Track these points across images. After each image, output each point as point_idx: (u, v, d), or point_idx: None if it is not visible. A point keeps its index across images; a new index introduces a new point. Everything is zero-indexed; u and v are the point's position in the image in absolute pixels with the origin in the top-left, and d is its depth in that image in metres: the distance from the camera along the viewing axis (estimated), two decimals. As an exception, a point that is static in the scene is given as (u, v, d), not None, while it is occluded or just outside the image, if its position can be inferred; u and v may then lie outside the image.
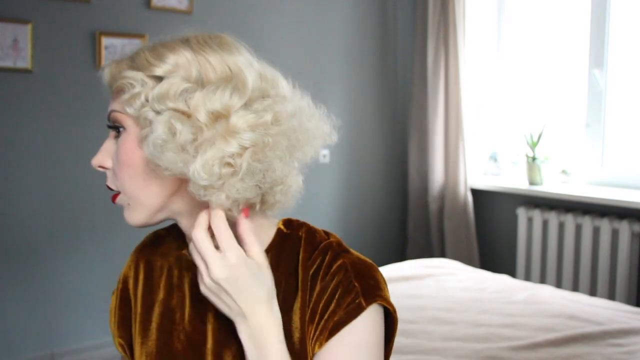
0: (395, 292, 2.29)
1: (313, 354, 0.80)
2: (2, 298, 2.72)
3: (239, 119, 0.73)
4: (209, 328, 0.85)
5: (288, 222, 0.88)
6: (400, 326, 1.99)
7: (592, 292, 2.92)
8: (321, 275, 0.81)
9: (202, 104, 0.73)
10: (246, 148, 0.73)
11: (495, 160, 3.57)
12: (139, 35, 2.93)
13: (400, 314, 2.07)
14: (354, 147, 3.70)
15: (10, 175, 2.72)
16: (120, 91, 0.77)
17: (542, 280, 3.13)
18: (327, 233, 0.88)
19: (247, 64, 0.78)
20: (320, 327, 0.79)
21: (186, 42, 0.78)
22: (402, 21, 3.86)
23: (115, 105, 0.78)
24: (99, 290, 2.94)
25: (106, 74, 0.79)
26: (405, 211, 3.92)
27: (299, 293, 0.81)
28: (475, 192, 3.57)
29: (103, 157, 0.81)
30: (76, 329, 2.89)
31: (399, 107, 3.90)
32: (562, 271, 3.05)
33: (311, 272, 0.82)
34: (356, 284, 0.80)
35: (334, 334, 0.78)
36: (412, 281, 2.46)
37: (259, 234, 0.84)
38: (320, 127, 0.83)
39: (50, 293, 2.82)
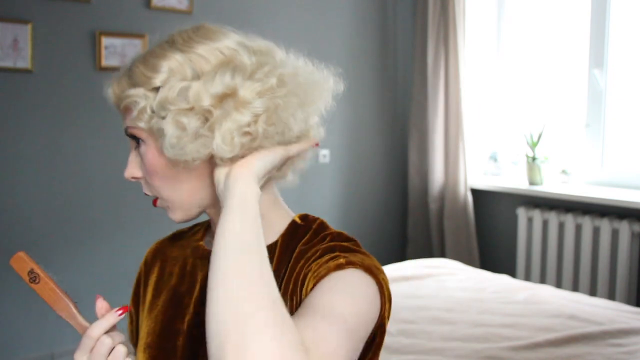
0: (395, 292, 2.29)
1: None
2: (1, 298, 2.72)
3: (246, 91, 0.77)
4: None
5: (304, 216, 0.91)
6: (400, 326, 1.99)
7: (592, 292, 2.92)
8: (311, 252, 0.83)
9: (204, 91, 0.76)
10: (259, 115, 0.77)
11: (495, 160, 3.57)
12: (139, 35, 2.93)
13: (400, 314, 2.08)
14: (354, 147, 3.70)
15: (10, 175, 2.72)
16: (128, 109, 0.82)
17: (542, 280, 3.13)
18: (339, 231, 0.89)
19: (236, 43, 0.82)
20: (305, 286, 0.79)
21: (172, 44, 0.81)
22: (402, 21, 3.86)
23: (128, 122, 0.83)
24: (98, 290, 2.93)
25: (110, 95, 0.85)
26: (405, 211, 3.92)
27: (283, 270, 0.84)
28: (475, 192, 3.57)
29: (133, 169, 0.86)
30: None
31: (399, 107, 3.90)
32: (562, 271, 3.05)
33: (303, 251, 0.84)
34: (341, 255, 0.80)
35: (314, 285, 0.77)
36: (412, 281, 2.46)
37: (275, 224, 0.88)
38: (324, 79, 0.86)
39: (50, 293, 2.82)
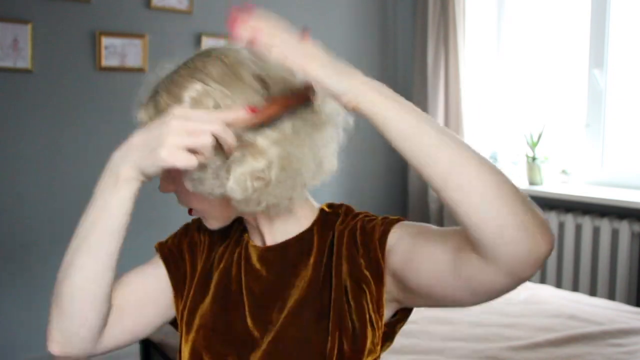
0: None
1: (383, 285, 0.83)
2: (1, 298, 2.72)
3: (263, 140, 0.78)
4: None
5: (330, 205, 0.96)
6: (400, 326, 1.99)
7: (592, 292, 2.92)
8: (346, 233, 0.87)
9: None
10: (272, 162, 0.79)
11: (495, 160, 3.57)
12: (139, 35, 2.93)
13: (400, 314, 2.08)
14: (354, 147, 3.69)
15: (10, 175, 2.72)
16: None
17: (542, 280, 3.13)
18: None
19: (255, 78, 0.81)
20: (371, 247, 0.84)
21: (194, 70, 0.82)
22: (402, 21, 3.86)
23: None
24: (99, 290, 2.94)
25: (140, 120, 0.85)
26: (405, 211, 3.92)
27: (326, 254, 0.88)
28: (475, 192, 3.56)
29: (166, 185, 0.89)
30: (76, 329, 2.89)
31: (399, 107, 3.90)
32: (562, 271, 3.05)
33: (341, 230, 0.89)
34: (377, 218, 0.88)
35: (387, 233, 0.83)
36: (412, 281, 2.46)
37: (305, 216, 0.92)
38: (335, 113, 0.86)
39: (50, 293, 2.81)
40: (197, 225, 1.00)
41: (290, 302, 0.87)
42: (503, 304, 2.19)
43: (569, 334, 1.88)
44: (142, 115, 0.85)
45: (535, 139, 3.16)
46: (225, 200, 0.83)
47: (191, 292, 0.95)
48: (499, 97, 3.59)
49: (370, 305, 0.83)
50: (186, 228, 1.01)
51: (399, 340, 1.87)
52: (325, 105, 0.85)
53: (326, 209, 0.94)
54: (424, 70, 3.63)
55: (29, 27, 2.67)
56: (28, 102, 2.73)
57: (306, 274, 0.88)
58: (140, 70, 2.93)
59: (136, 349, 2.19)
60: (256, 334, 0.88)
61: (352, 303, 0.84)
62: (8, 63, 2.65)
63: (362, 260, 0.84)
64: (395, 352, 1.80)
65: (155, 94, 0.84)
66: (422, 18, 3.62)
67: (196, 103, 0.80)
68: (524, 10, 3.46)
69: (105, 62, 2.86)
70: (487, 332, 1.93)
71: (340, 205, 0.95)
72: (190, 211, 0.91)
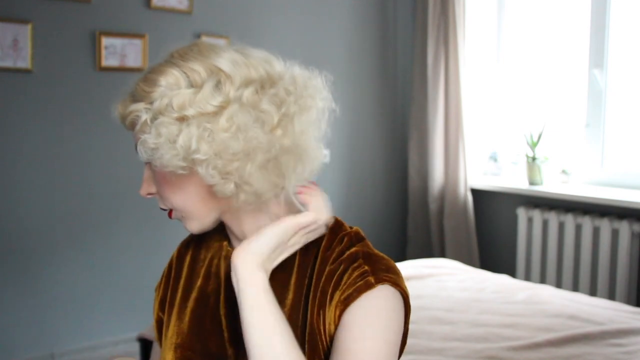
0: (395, 292, 2.29)
1: (328, 336, 0.83)
2: (1, 298, 2.72)
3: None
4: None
5: (338, 226, 0.93)
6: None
7: (592, 292, 2.92)
8: (332, 259, 0.86)
9: (190, 100, 0.80)
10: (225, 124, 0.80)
11: (495, 160, 3.57)
12: (139, 35, 2.93)
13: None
14: (354, 147, 3.70)
15: (10, 175, 2.72)
16: (133, 125, 0.86)
17: (542, 280, 3.13)
18: (351, 228, 0.93)
19: (228, 62, 0.83)
20: (332, 306, 0.83)
21: (170, 59, 0.85)
22: (402, 21, 3.86)
23: (136, 139, 0.85)
24: (98, 290, 2.94)
25: (117, 116, 0.88)
26: (405, 211, 3.92)
27: (307, 276, 0.88)
28: (475, 192, 3.57)
29: (147, 186, 0.90)
30: (76, 329, 2.89)
31: (399, 107, 3.90)
32: (562, 271, 3.05)
33: (326, 258, 0.87)
34: (366, 266, 0.84)
35: (344, 310, 0.82)
36: (412, 281, 2.46)
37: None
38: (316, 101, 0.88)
39: (50, 293, 2.82)
40: (177, 254, 1.04)
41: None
42: (503, 304, 2.19)
43: (569, 334, 1.88)
44: (119, 109, 0.87)
45: (535, 139, 3.16)
46: (206, 195, 0.85)
47: (173, 312, 0.98)
48: (499, 97, 3.59)
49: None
50: (170, 264, 1.04)
51: (399, 340, 1.87)
52: (307, 89, 0.86)
53: None
54: (424, 70, 3.64)
55: (29, 27, 2.67)
56: (28, 102, 2.73)
57: (288, 295, 0.88)
58: (140, 70, 2.92)
59: (136, 348, 2.19)
60: (230, 351, 0.90)
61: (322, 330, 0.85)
62: (8, 63, 2.65)
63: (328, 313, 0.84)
64: (395, 352, 1.80)
65: (132, 87, 0.86)
66: (422, 18, 3.62)
67: (170, 87, 0.81)
68: (524, 10, 3.46)
69: (105, 62, 2.86)
70: (486, 332, 1.93)
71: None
72: (170, 213, 0.90)
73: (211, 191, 0.84)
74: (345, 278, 0.83)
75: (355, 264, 0.84)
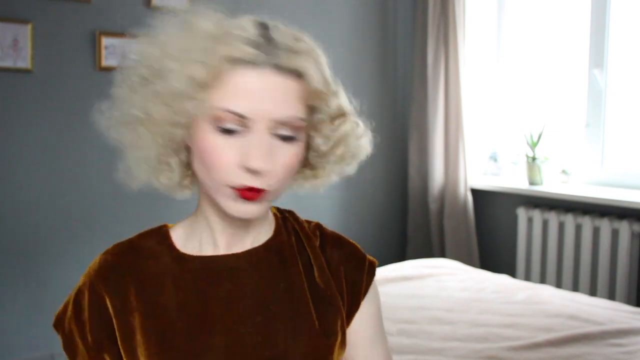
0: (395, 292, 2.29)
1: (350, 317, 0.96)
2: (1, 298, 2.72)
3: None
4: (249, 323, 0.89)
5: (277, 209, 1.01)
6: (400, 326, 1.99)
7: (592, 292, 2.92)
8: (327, 246, 0.97)
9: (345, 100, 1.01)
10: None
11: (495, 160, 3.57)
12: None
13: (400, 314, 2.08)
14: (354, 147, 3.69)
15: (10, 175, 2.72)
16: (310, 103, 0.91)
17: (542, 280, 3.13)
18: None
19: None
20: (351, 293, 0.96)
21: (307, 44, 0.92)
22: (402, 21, 3.86)
23: (294, 115, 0.85)
24: (99, 290, 2.93)
25: (311, 75, 0.89)
26: (405, 211, 3.92)
27: (313, 261, 0.95)
28: (475, 192, 3.56)
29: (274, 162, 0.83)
30: (76, 329, 2.89)
31: (399, 107, 3.90)
32: (562, 271, 3.05)
33: (317, 245, 0.97)
34: (361, 250, 1.00)
35: (364, 296, 0.97)
36: (412, 281, 2.46)
37: (268, 224, 0.96)
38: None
39: (50, 293, 2.82)
40: (93, 290, 0.91)
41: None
42: (503, 304, 2.19)
43: (569, 334, 1.88)
44: (313, 71, 0.88)
45: (535, 139, 3.16)
46: None
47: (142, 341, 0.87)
48: (499, 97, 3.59)
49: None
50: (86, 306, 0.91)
51: (399, 340, 1.87)
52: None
53: (278, 214, 0.99)
54: (424, 70, 3.63)
55: (29, 27, 2.67)
56: (28, 102, 2.73)
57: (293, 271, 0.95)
58: (140, 70, 2.93)
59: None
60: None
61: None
62: (8, 63, 2.65)
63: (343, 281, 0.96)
64: (395, 352, 1.80)
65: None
66: (422, 18, 3.62)
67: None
68: (524, 10, 3.46)
69: (105, 62, 2.86)
70: (486, 332, 1.93)
71: (284, 210, 1.01)
72: (257, 195, 0.82)
73: None
74: (353, 264, 0.99)
75: (355, 251, 1.01)
